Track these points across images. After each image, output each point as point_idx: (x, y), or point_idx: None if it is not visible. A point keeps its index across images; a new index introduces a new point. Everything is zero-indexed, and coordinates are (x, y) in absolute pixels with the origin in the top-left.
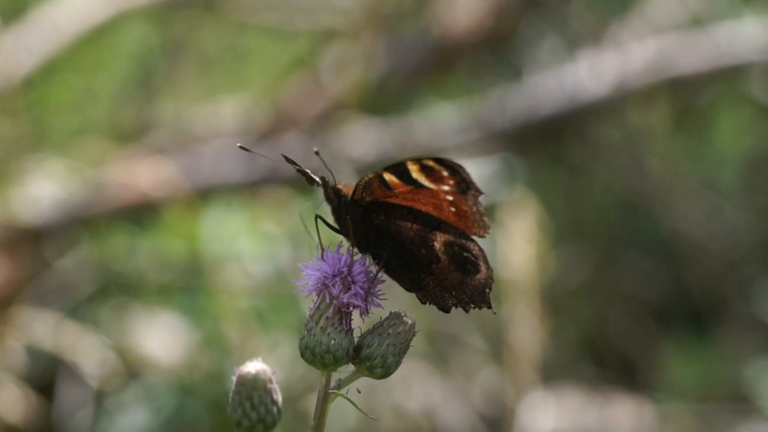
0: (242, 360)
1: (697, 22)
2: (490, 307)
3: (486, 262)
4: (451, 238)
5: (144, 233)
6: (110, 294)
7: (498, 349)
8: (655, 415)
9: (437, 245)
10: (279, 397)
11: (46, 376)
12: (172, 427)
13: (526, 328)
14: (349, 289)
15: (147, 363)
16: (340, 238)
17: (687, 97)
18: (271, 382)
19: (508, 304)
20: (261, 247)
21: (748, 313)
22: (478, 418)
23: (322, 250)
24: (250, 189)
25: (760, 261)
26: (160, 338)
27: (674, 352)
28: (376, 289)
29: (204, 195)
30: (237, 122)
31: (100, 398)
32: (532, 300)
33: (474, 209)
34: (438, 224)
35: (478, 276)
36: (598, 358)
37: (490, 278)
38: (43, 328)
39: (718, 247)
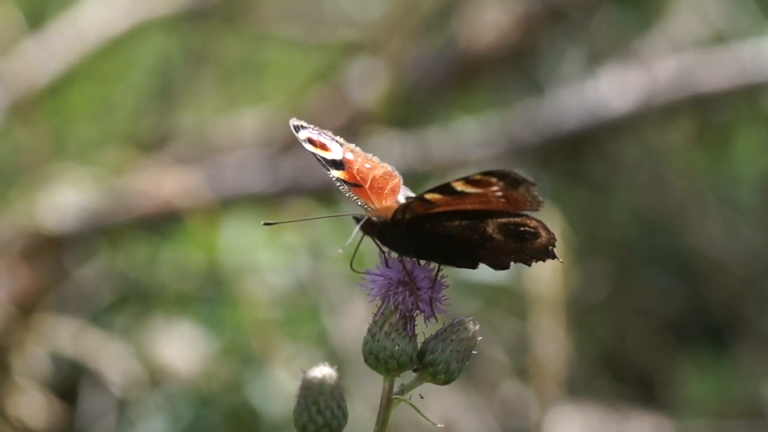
0: (261, 371)
1: (719, 38)
2: (555, 257)
3: (545, 228)
4: (503, 220)
5: (164, 243)
6: (130, 303)
7: (519, 362)
8: (673, 431)
9: (490, 229)
10: (345, 403)
11: (68, 382)
12: None
13: (550, 341)
14: (413, 294)
15: (166, 372)
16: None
17: (708, 114)
18: (337, 387)
19: (532, 317)
20: (281, 258)
21: (766, 331)
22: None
23: (385, 256)
24: (272, 200)
25: None
26: (179, 348)
27: (692, 369)
28: (440, 295)
29: (225, 205)
30: (258, 133)
31: (122, 406)
32: (557, 314)
33: (526, 195)
34: (489, 214)
35: (539, 240)
36: (616, 373)
37: (552, 238)
38: (64, 336)
39: (735, 264)
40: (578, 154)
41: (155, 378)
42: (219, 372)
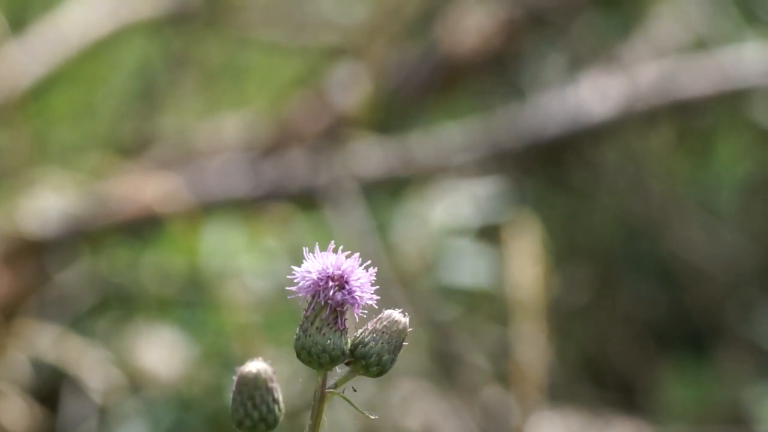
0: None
1: (701, 44)
2: None
3: None
4: None
5: (146, 247)
6: (111, 307)
7: (500, 368)
8: None
9: None
10: (280, 396)
11: (49, 387)
12: None
13: (531, 347)
14: (343, 288)
15: (147, 377)
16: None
17: (689, 119)
18: (272, 381)
19: (513, 322)
20: (262, 262)
21: (747, 337)
22: None
23: (314, 251)
24: (253, 204)
25: (758, 285)
26: (160, 352)
27: (673, 374)
28: (369, 288)
29: (207, 209)
30: (240, 137)
31: (103, 411)
32: (538, 319)
33: None
34: None
35: None
36: (597, 378)
37: None
38: (45, 341)
39: (716, 269)
40: (560, 159)
41: (136, 382)
42: (200, 376)
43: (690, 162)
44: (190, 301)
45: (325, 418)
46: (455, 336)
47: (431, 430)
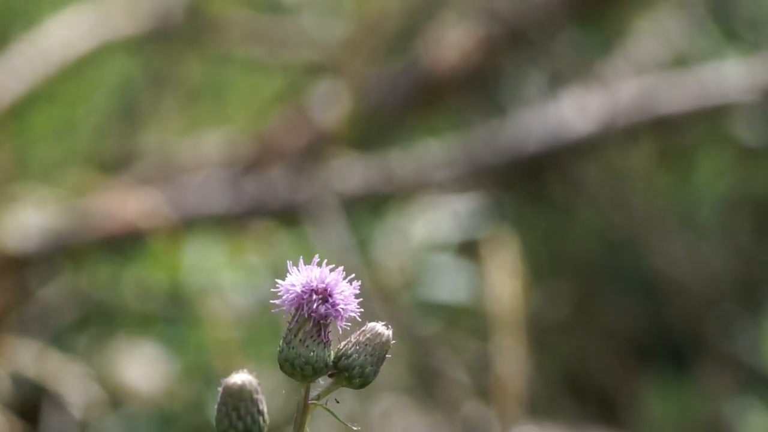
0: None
1: (681, 61)
2: None
3: None
4: None
5: (127, 263)
6: (92, 323)
7: (481, 383)
8: None
9: None
10: (264, 408)
11: (29, 403)
12: None
13: (512, 361)
14: (326, 301)
15: (128, 392)
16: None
17: (670, 136)
18: (257, 392)
19: (493, 337)
20: (243, 278)
21: (727, 352)
22: None
23: (298, 265)
24: (235, 220)
25: (739, 300)
26: (141, 368)
27: (654, 389)
28: (353, 301)
29: (188, 226)
30: (221, 154)
31: (84, 427)
32: (517, 333)
33: None
34: None
35: None
36: (578, 393)
37: None
38: (26, 356)
39: (697, 285)
40: (540, 175)
41: (117, 398)
42: (181, 392)
43: (671, 178)
44: (172, 317)
45: (308, 429)
46: (435, 351)
47: None
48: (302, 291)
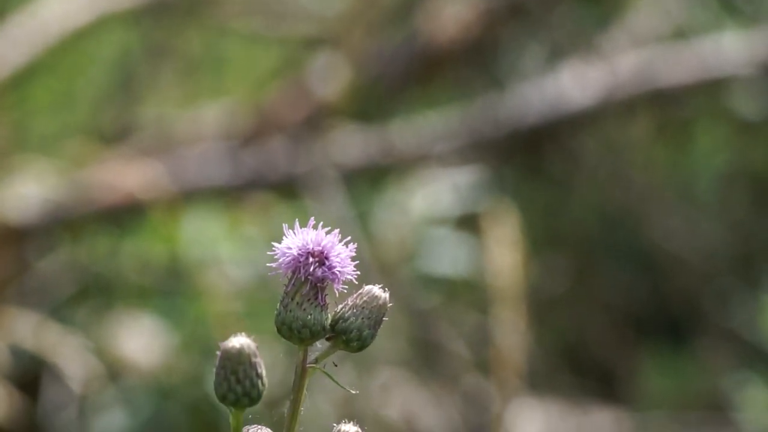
0: None
1: (680, 34)
2: None
3: None
4: None
5: (126, 235)
6: (91, 296)
7: (480, 355)
8: (633, 425)
9: None
10: (263, 371)
11: (28, 375)
12: (149, 429)
13: (511, 334)
14: (323, 264)
15: (126, 365)
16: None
17: (668, 109)
18: (255, 356)
19: (492, 310)
20: (242, 251)
21: (725, 326)
22: (461, 425)
23: (294, 227)
24: (234, 193)
25: (736, 274)
26: (140, 341)
27: (652, 363)
28: (350, 263)
29: (187, 198)
30: (220, 127)
31: (83, 399)
32: (517, 307)
33: None
34: None
35: None
36: (577, 367)
37: None
38: (25, 328)
39: (695, 259)
40: (539, 148)
41: (116, 371)
42: (180, 365)
43: (669, 152)
44: (170, 290)
45: (306, 393)
46: (435, 324)
47: (411, 418)
48: (299, 254)
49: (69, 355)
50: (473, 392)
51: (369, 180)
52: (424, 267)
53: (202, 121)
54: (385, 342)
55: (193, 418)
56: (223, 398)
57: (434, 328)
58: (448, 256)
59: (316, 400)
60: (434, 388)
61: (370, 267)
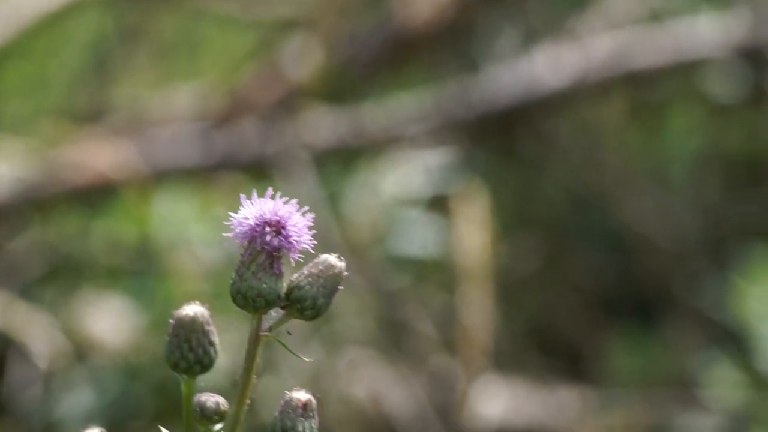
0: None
1: (654, 17)
2: None
3: None
4: None
5: (96, 216)
6: (60, 276)
7: (448, 336)
8: (600, 404)
9: None
10: (216, 339)
11: None
12: (116, 409)
13: (478, 313)
14: (280, 233)
15: (94, 345)
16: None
17: (642, 92)
18: (208, 324)
19: (460, 290)
20: (212, 232)
21: (694, 307)
22: (427, 404)
23: (250, 196)
24: (205, 174)
25: (707, 256)
26: (108, 321)
27: (620, 343)
28: (307, 233)
29: (159, 179)
30: (193, 108)
31: (49, 378)
32: (485, 286)
33: None
34: None
35: None
36: (545, 347)
37: None
38: None
39: (666, 241)
40: (512, 130)
41: (84, 350)
42: (148, 345)
43: (642, 134)
44: (140, 270)
45: (260, 360)
46: (404, 305)
47: (378, 397)
48: (255, 224)
49: (36, 334)
50: (440, 372)
51: (341, 162)
52: (395, 248)
53: (175, 103)
54: (354, 322)
55: (161, 398)
56: (175, 366)
57: (402, 308)
58: (419, 238)
59: (283, 378)
60: (402, 367)
61: (340, 248)
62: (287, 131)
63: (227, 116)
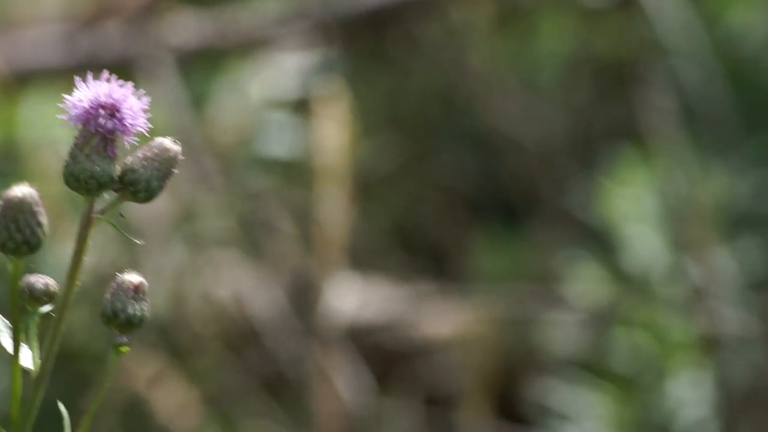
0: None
1: None
2: None
3: None
4: None
5: None
6: None
7: (307, 235)
8: (463, 302)
9: None
10: (44, 220)
11: None
12: None
13: (335, 211)
14: (114, 116)
15: None
16: None
17: None
18: (37, 205)
19: (317, 188)
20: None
21: (561, 208)
22: (287, 302)
23: (86, 80)
24: (69, 75)
25: (575, 158)
26: None
27: (485, 243)
28: (142, 116)
29: (23, 80)
30: (58, 11)
31: None
32: (343, 185)
33: None
34: None
35: None
36: (408, 246)
37: None
38: None
39: (534, 144)
40: (380, 32)
41: None
42: None
43: (512, 39)
44: (4, 171)
45: (90, 242)
46: (266, 205)
47: (240, 296)
48: (89, 106)
49: None
50: (298, 270)
51: (207, 64)
52: (260, 150)
53: (41, 5)
54: (216, 222)
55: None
56: (2, 246)
57: (265, 209)
58: (285, 139)
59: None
60: (263, 267)
61: (203, 150)
62: (151, 33)
63: (93, 18)
